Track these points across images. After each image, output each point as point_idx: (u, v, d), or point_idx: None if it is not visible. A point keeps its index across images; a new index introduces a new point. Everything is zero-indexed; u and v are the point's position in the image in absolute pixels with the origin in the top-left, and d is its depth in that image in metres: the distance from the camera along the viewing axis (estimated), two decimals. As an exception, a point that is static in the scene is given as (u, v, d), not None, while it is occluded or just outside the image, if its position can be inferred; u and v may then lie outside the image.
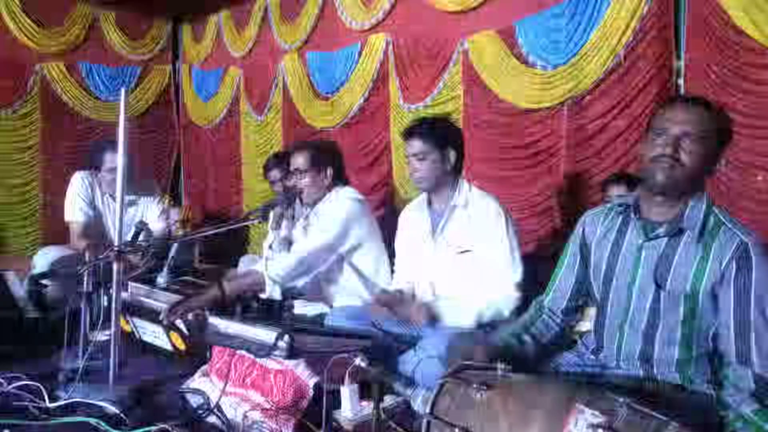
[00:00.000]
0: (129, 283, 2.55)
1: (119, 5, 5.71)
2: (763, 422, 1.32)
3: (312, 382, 1.65)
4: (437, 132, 2.27)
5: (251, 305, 2.37)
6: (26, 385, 1.84)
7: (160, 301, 2.43)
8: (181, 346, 2.21)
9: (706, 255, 1.45)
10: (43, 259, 3.05)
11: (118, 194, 1.94)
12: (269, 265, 2.52)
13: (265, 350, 1.69)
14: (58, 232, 3.96)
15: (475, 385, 1.24)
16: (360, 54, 4.57)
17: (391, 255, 2.63)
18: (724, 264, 1.43)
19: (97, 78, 5.80)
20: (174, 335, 2.20)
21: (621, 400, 1.13)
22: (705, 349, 1.51)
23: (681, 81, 3.12)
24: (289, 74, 5.16)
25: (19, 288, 2.58)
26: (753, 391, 1.37)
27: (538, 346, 1.68)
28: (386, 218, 3.72)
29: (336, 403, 1.67)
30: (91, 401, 1.77)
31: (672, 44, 3.10)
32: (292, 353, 1.67)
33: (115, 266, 1.88)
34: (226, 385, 1.75)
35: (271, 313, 2.42)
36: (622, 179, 2.86)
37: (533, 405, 1.18)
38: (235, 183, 5.80)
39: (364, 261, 2.66)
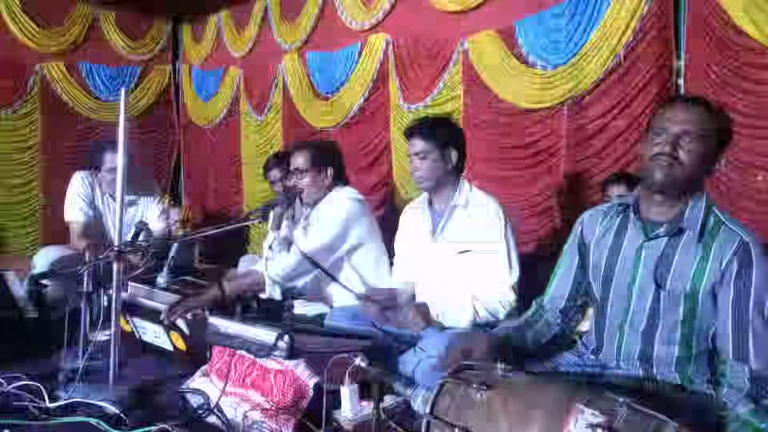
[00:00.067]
0: (129, 283, 2.55)
1: (119, 5, 5.70)
2: (759, 422, 1.33)
3: (312, 382, 1.65)
4: (439, 131, 2.27)
5: (251, 305, 2.38)
6: (26, 385, 1.84)
7: (160, 301, 2.43)
8: (182, 346, 2.21)
9: (706, 255, 1.45)
10: (43, 259, 3.05)
11: (118, 194, 1.94)
12: (269, 265, 2.52)
13: (265, 350, 1.69)
14: (58, 232, 3.96)
15: (475, 385, 1.24)
16: (360, 54, 4.57)
17: (392, 255, 2.63)
18: (724, 263, 1.43)
19: (97, 78, 5.79)
20: (175, 335, 2.21)
21: (621, 400, 1.13)
22: (705, 349, 1.51)
23: (681, 81, 3.12)
24: (289, 74, 5.16)
25: (19, 288, 2.58)
26: (749, 391, 1.38)
27: (537, 343, 1.69)
28: (386, 218, 3.72)
29: (336, 403, 1.67)
30: (91, 401, 1.77)
31: (672, 44, 3.11)
32: (292, 353, 1.67)
33: (115, 266, 1.88)
34: (226, 385, 1.75)
35: (271, 313, 2.42)
36: (622, 179, 2.86)
37: (533, 405, 1.18)
38: (235, 183, 5.80)
39: (365, 261, 2.66)
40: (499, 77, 3.72)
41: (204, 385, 1.88)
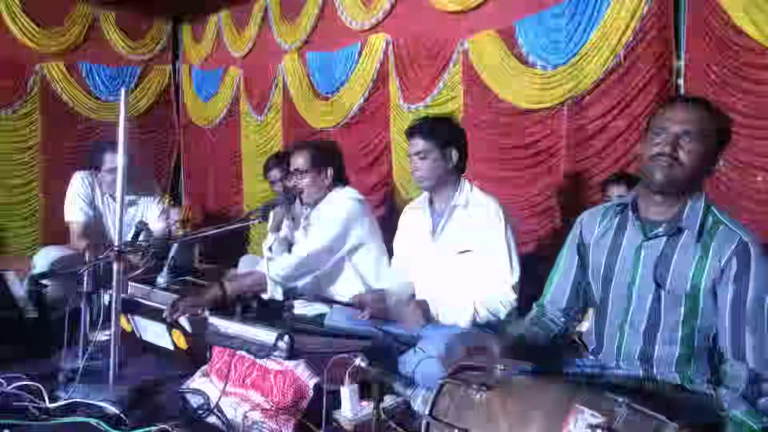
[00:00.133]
0: (129, 283, 2.55)
1: (119, 5, 5.70)
2: (752, 422, 1.33)
3: (312, 382, 1.65)
4: (439, 131, 2.27)
5: (251, 305, 2.37)
6: (26, 385, 1.84)
7: (160, 301, 2.42)
8: (183, 345, 2.21)
9: (705, 254, 1.46)
10: (43, 259, 3.05)
11: (118, 194, 1.94)
12: (270, 265, 2.52)
13: (265, 351, 1.69)
14: (58, 232, 3.96)
15: (474, 386, 1.24)
16: (360, 54, 4.57)
17: (392, 255, 2.63)
18: (723, 262, 1.43)
19: (97, 78, 5.80)
20: (176, 333, 2.20)
21: (620, 400, 1.13)
22: (705, 349, 1.51)
23: (681, 81, 3.12)
24: (289, 74, 5.16)
25: (19, 288, 2.58)
26: (744, 391, 1.38)
27: (547, 340, 1.69)
28: (386, 218, 3.72)
29: (336, 403, 1.67)
30: (91, 401, 1.77)
31: (672, 44, 3.10)
32: (292, 354, 1.67)
33: (115, 266, 1.88)
34: (226, 385, 1.75)
35: (271, 313, 2.42)
36: (622, 179, 2.86)
37: (532, 405, 1.18)
38: (235, 183, 5.80)
39: (365, 261, 2.66)
40: (499, 77, 3.72)
41: (204, 385, 1.88)
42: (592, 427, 1.10)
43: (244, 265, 3.51)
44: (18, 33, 5.33)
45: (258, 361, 1.76)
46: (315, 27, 4.91)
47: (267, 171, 3.66)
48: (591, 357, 1.68)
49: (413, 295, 2.42)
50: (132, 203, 3.37)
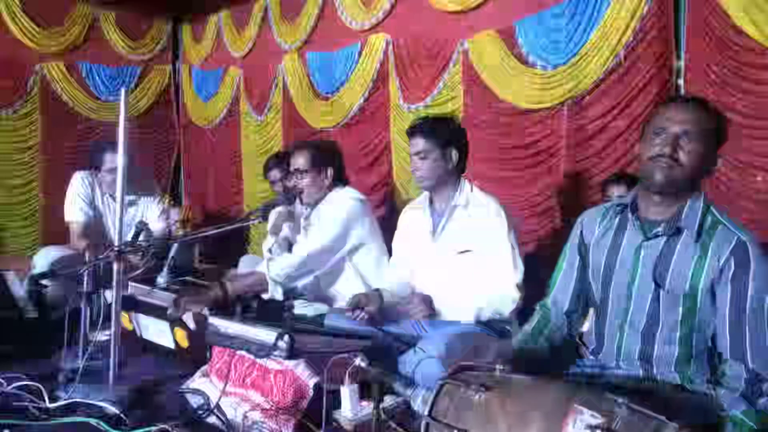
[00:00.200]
0: (129, 283, 2.55)
1: (119, 5, 5.71)
2: (751, 421, 1.33)
3: (312, 382, 1.65)
4: (440, 131, 2.27)
5: (251, 305, 2.37)
6: (26, 385, 1.84)
7: (161, 300, 2.42)
8: (184, 344, 2.21)
9: (704, 254, 1.46)
10: (43, 259, 3.05)
11: (118, 194, 1.94)
12: (270, 265, 2.52)
13: (265, 350, 1.68)
14: (58, 232, 3.96)
15: (473, 387, 1.24)
16: (360, 54, 4.57)
17: (392, 254, 2.63)
18: (722, 261, 1.44)
19: (97, 78, 5.80)
20: (179, 331, 2.20)
21: (620, 400, 1.13)
22: (705, 349, 1.51)
23: (681, 81, 3.12)
24: (289, 74, 5.16)
25: (19, 288, 2.58)
26: (743, 391, 1.38)
27: (552, 349, 1.67)
28: (386, 218, 3.72)
29: (336, 403, 1.67)
30: (91, 401, 1.76)
31: (672, 44, 3.10)
32: (292, 353, 1.67)
33: (115, 266, 1.88)
34: (226, 385, 1.75)
35: (270, 313, 2.41)
36: (622, 179, 2.86)
37: (532, 406, 1.18)
38: (235, 183, 5.80)
39: (365, 261, 2.66)
40: (499, 77, 3.72)
41: (204, 385, 1.88)
42: (592, 427, 1.10)
43: (244, 265, 3.51)
44: (18, 33, 5.33)
45: (258, 360, 1.76)
46: (315, 27, 4.92)
47: (267, 171, 3.66)
48: (591, 357, 1.68)
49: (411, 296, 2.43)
50: (132, 203, 3.37)
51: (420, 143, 2.26)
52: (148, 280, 2.52)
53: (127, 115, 1.89)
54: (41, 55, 5.50)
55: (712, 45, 2.91)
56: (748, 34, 2.74)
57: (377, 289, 2.35)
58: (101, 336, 2.01)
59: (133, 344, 2.36)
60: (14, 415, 1.70)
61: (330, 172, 2.68)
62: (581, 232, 1.71)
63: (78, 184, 3.36)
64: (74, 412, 1.72)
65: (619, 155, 3.27)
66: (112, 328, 1.88)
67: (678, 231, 1.49)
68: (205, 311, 2.19)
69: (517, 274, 2.19)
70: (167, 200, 3.89)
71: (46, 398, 1.78)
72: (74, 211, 3.33)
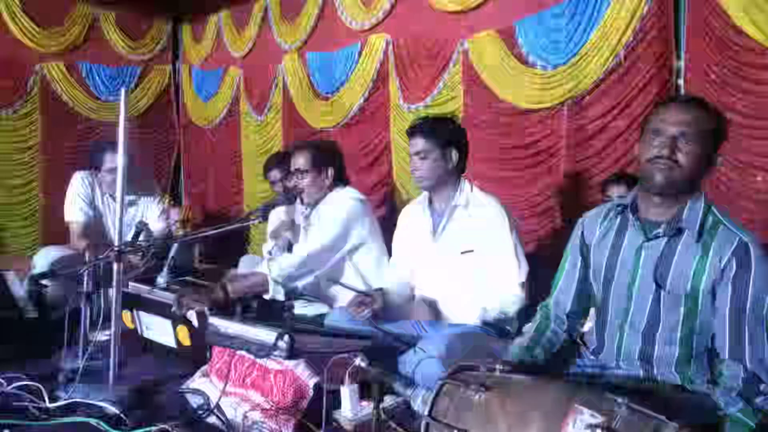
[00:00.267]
0: (129, 283, 2.55)
1: (119, 5, 5.71)
2: (749, 421, 1.33)
3: (312, 382, 1.65)
4: (440, 131, 2.27)
5: (251, 305, 2.37)
6: (26, 385, 1.84)
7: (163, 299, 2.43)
8: (186, 342, 2.21)
9: (705, 254, 1.45)
10: (43, 259, 3.05)
11: (118, 194, 1.94)
12: (271, 266, 2.51)
13: (265, 350, 1.68)
14: (58, 232, 3.96)
15: (473, 387, 1.24)
16: (360, 54, 4.57)
17: (391, 254, 2.63)
18: (723, 262, 1.43)
19: (97, 78, 5.80)
20: (181, 329, 2.20)
21: (620, 400, 1.13)
22: (705, 349, 1.51)
23: (681, 81, 3.12)
24: (289, 74, 5.16)
25: (19, 288, 2.58)
26: (741, 390, 1.38)
27: (549, 357, 1.66)
28: (386, 218, 3.72)
29: (336, 403, 1.67)
30: (91, 401, 1.76)
31: (672, 44, 3.11)
32: (292, 353, 1.67)
33: (115, 266, 1.88)
34: (226, 385, 1.75)
35: (271, 313, 2.41)
36: (622, 179, 2.87)
37: (532, 406, 1.18)
38: (235, 183, 5.81)
39: (366, 261, 2.66)
40: (499, 77, 3.72)
41: (204, 385, 1.88)
42: (592, 427, 1.10)
43: (244, 265, 3.51)
44: (18, 33, 5.33)
45: (258, 360, 1.76)
46: (315, 27, 4.92)
47: (267, 171, 3.66)
48: (591, 357, 1.68)
49: (413, 296, 2.43)
50: (132, 203, 3.37)
51: (420, 143, 2.26)
52: (148, 280, 2.52)
53: (127, 115, 1.89)
54: (41, 55, 5.50)
55: (712, 45, 2.92)
56: (748, 34, 2.74)
57: (380, 289, 2.35)
58: (101, 336, 2.01)
59: (134, 344, 2.36)
60: (14, 415, 1.70)
61: (330, 172, 2.68)
62: (582, 232, 1.71)
63: (78, 184, 3.36)
64: (74, 412, 1.72)
65: (619, 155, 3.27)
66: (112, 328, 1.88)
67: (679, 231, 1.49)
68: (206, 311, 2.19)
69: (520, 274, 2.19)
70: (167, 200, 3.90)
71: (46, 398, 1.78)
72: (74, 211, 3.33)
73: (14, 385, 1.84)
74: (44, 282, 2.60)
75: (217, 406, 1.71)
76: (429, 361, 1.80)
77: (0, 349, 2.20)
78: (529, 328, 1.78)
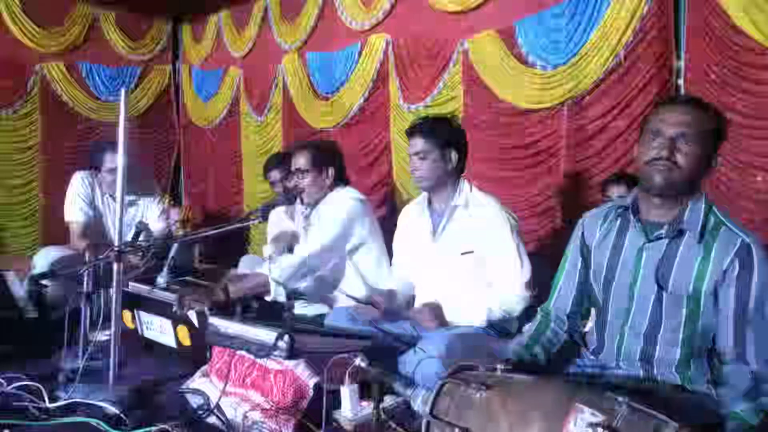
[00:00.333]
0: (129, 283, 2.55)
1: (119, 5, 5.71)
2: (752, 419, 1.33)
3: (312, 382, 1.65)
4: (439, 131, 2.27)
5: (251, 305, 2.37)
6: (26, 385, 1.84)
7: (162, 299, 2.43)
8: (186, 342, 2.21)
9: (707, 255, 1.45)
10: (43, 259, 3.05)
11: (118, 194, 1.94)
12: (272, 266, 2.51)
13: (265, 350, 1.68)
14: (58, 232, 3.96)
15: (474, 386, 1.24)
16: (360, 54, 4.57)
17: (392, 254, 2.63)
18: (726, 263, 1.43)
19: (97, 78, 5.80)
20: (181, 329, 2.20)
21: (621, 399, 1.12)
22: (705, 350, 1.51)
23: (681, 81, 3.12)
24: (289, 74, 5.16)
25: (19, 288, 2.58)
26: (747, 390, 1.38)
27: (548, 354, 1.66)
28: (386, 218, 3.73)
29: (336, 403, 1.67)
30: (91, 401, 1.76)
31: (672, 44, 3.11)
32: (292, 353, 1.67)
33: (115, 266, 1.88)
34: (226, 385, 1.75)
35: (271, 313, 2.41)
36: (622, 179, 2.87)
37: (533, 405, 1.18)
38: (235, 183, 5.81)
39: (366, 260, 2.66)
40: (499, 77, 3.72)
41: (204, 385, 1.88)
42: (593, 426, 1.10)
43: (244, 265, 3.51)
44: (18, 33, 5.33)
45: (258, 360, 1.76)
46: (315, 27, 4.92)
47: (267, 172, 3.65)
48: (591, 357, 1.68)
49: (413, 297, 2.43)
50: (132, 203, 3.37)
51: (419, 143, 2.26)
52: (148, 280, 2.52)
53: (127, 115, 1.89)
54: (41, 55, 5.50)
55: (712, 45, 2.92)
56: (748, 34, 2.74)
57: (389, 291, 2.37)
58: (101, 336, 2.01)
59: (134, 344, 2.36)
60: (14, 415, 1.70)
61: (331, 172, 2.68)
62: (582, 233, 1.71)
63: (78, 184, 3.36)
64: (74, 412, 1.72)
65: (619, 155, 3.28)
66: (112, 328, 1.88)
67: (680, 233, 1.49)
68: (206, 311, 2.19)
69: (524, 273, 2.19)
70: (167, 200, 3.90)
71: (46, 398, 1.78)
72: (74, 211, 3.33)
73: (14, 385, 1.84)
74: (44, 282, 2.60)
75: (217, 406, 1.71)
76: (429, 361, 1.80)
77: (0, 349, 2.19)
78: (529, 327, 1.78)
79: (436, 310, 2.20)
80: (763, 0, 2.68)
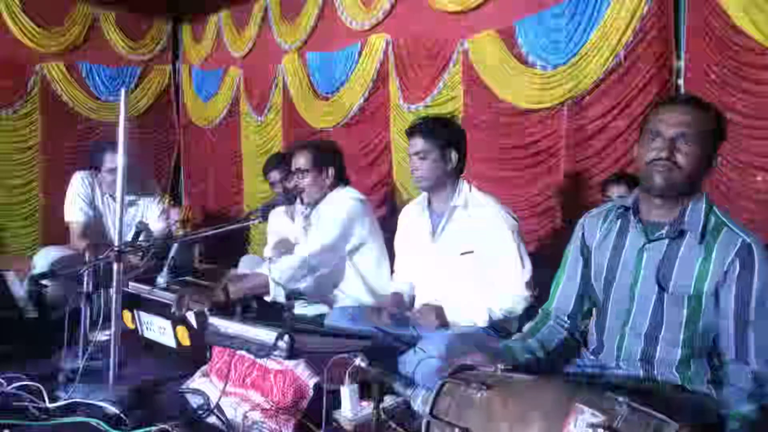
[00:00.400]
0: (129, 283, 2.55)
1: (119, 5, 5.71)
2: (753, 417, 1.34)
3: (312, 382, 1.65)
4: (439, 131, 2.27)
5: (251, 305, 2.37)
6: (26, 385, 1.83)
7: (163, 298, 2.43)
8: (186, 342, 2.21)
9: (708, 256, 1.45)
10: (43, 259, 3.05)
11: (118, 194, 1.93)
12: (272, 267, 2.51)
13: (265, 350, 1.68)
14: (58, 232, 3.96)
15: (474, 385, 1.24)
16: (360, 54, 4.57)
17: (392, 255, 2.63)
18: (727, 263, 1.43)
19: (97, 78, 5.80)
20: (181, 329, 2.20)
21: (621, 399, 1.12)
22: (706, 350, 1.51)
23: (681, 81, 3.12)
24: (289, 74, 5.16)
25: (19, 288, 2.58)
26: (750, 390, 1.38)
27: (544, 352, 1.66)
28: (386, 218, 3.73)
29: (336, 403, 1.67)
30: (91, 401, 1.76)
31: (672, 44, 3.11)
32: (292, 353, 1.67)
33: (115, 266, 1.88)
34: (226, 385, 1.75)
35: (270, 313, 2.41)
36: (622, 179, 2.87)
37: (533, 405, 1.18)
38: (235, 183, 5.81)
39: (366, 261, 2.66)
40: (499, 77, 3.72)
41: (204, 385, 1.87)
42: (593, 426, 1.10)
43: (244, 265, 3.51)
44: (18, 33, 5.33)
45: (258, 360, 1.76)
46: (315, 27, 4.92)
47: (266, 173, 3.65)
48: (591, 357, 1.68)
49: (413, 297, 2.43)
50: (132, 203, 3.37)
51: (419, 143, 2.26)
52: (148, 280, 2.52)
53: (127, 115, 1.88)
54: (41, 55, 5.50)
55: (712, 45, 2.92)
56: (748, 34, 2.74)
57: (396, 293, 2.38)
58: (101, 336, 2.01)
59: (134, 344, 2.36)
60: (14, 415, 1.69)
61: (331, 171, 2.68)
62: (583, 234, 1.70)
63: (78, 184, 3.36)
64: (74, 412, 1.72)
65: (619, 155, 3.28)
66: (112, 328, 1.88)
67: (681, 233, 1.49)
68: (206, 311, 2.19)
69: (525, 273, 2.19)
70: (167, 200, 3.90)
71: (46, 398, 1.77)
72: (74, 211, 3.33)
73: (14, 385, 1.84)
74: (44, 282, 2.59)
75: (217, 406, 1.71)
76: (429, 361, 1.80)
77: (0, 349, 2.19)
78: (528, 325, 1.78)
79: (437, 310, 2.20)
80: (763, 0, 2.68)
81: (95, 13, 5.76)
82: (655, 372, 1.54)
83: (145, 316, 2.37)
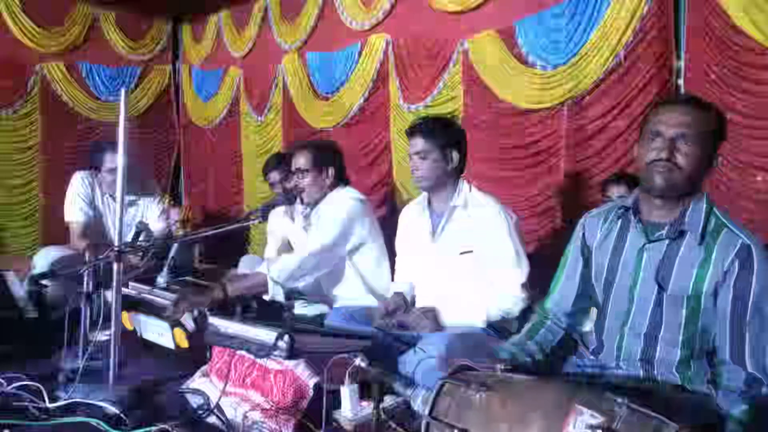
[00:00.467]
0: (129, 283, 2.55)
1: (119, 5, 5.71)
2: (748, 419, 1.33)
3: (312, 382, 1.65)
4: (440, 131, 2.27)
5: (251, 305, 2.37)
6: (26, 385, 1.83)
7: (162, 299, 2.43)
8: (184, 345, 2.21)
9: (708, 256, 1.45)
10: (43, 259, 3.05)
11: (118, 194, 1.93)
12: (271, 266, 2.51)
13: (265, 350, 1.68)
14: (58, 232, 3.97)
15: (474, 386, 1.24)
16: (360, 54, 4.57)
17: (392, 255, 2.63)
18: (726, 264, 1.43)
19: (97, 78, 5.80)
20: (178, 331, 2.20)
21: (620, 400, 1.12)
22: (705, 350, 1.51)
23: (681, 81, 3.12)
24: (289, 74, 5.16)
25: (19, 288, 2.58)
26: (743, 392, 1.38)
27: (543, 354, 1.66)
28: (386, 218, 3.73)
29: (336, 403, 1.67)
30: (91, 401, 1.76)
31: (672, 44, 3.11)
32: (292, 353, 1.67)
33: (115, 266, 1.88)
34: (226, 385, 1.75)
35: (270, 313, 2.42)
36: (622, 179, 2.87)
37: (532, 406, 1.18)
38: (235, 183, 5.81)
39: (366, 261, 2.66)
40: (499, 77, 3.72)
41: (204, 385, 1.87)
42: (592, 427, 1.10)
43: (244, 265, 3.51)
44: (18, 33, 5.33)
45: (258, 360, 1.76)
46: (315, 27, 4.92)
47: (266, 173, 3.65)
48: (591, 357, 1.68)
49: (414, 297, 2.43)
50: (132, 203, 3.37)
51: (419, 143, 2.26)
52: (148, 280, 2.52)
53: (127, 115, 1.88)
54: (41, 55, 5.50)
55: (712, 45, 2.92)
56: (748, 34, 2.74)
57: (399, 293, 2.37)
58: (101, 336, 2.01)
59: (133, 344, 2.36)
60: (14, 415, 1.69)
61: (331, 171, 2.68)
62: (583, 234, 1.70)
63: (78, 184, 3.36)
64: (74, 412, 1.72)
65: (619, 155, 3.28)
66: (112, 328, 1.88)
67: (681, 234, 1.49)
68: (205, 311, 2.19)
69: (522, 274, 2.19)
70: (167, 200, 3.90)
71: (46, 398, 1.77)
72: (74, 211, 3.33)
73: (14, 385, 1.84)
74: (44, 282, 2.59)
75: (217, 406, 1.71)
76: (429, 361, 1.80)
77: (0, 349, 2.19)
78: (525, 326, 1.78)
79: (430, 315, 2.20)
80: (763, 0, 2.68)
81: (95, 13, 5.75)
82: (655, 372, 1.54)
83: (143, 318, 2.37)
